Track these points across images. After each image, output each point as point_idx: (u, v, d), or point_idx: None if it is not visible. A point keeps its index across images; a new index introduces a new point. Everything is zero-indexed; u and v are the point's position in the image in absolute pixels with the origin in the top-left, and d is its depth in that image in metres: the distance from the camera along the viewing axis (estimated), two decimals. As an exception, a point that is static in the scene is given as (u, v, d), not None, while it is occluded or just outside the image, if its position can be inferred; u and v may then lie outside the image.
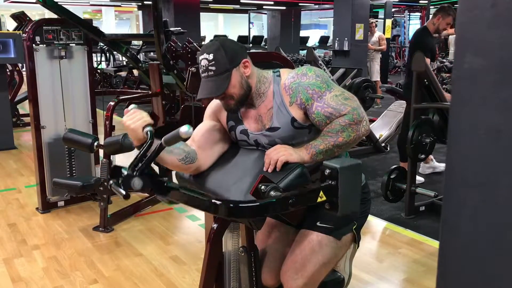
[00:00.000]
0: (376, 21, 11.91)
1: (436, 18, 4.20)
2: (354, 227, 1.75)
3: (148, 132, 1.38)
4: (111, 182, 1.33)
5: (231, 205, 1.28)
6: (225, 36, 14.38)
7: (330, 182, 1.29)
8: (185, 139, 1.33)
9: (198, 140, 1.70)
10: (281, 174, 1.48)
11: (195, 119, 3.24)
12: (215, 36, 14.10)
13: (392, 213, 3.78)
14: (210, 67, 1.59)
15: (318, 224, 1.70)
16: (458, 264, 0.88)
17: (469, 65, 0.81)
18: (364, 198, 1.80)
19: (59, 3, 3.63)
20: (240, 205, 1.28)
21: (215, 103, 1.79)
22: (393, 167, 3.86)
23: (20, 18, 6.97)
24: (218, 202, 1.26)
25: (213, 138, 1.73)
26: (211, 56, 1.59)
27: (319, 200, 1.30)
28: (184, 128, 1.26)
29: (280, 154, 1.50)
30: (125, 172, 1.33)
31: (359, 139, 1.61)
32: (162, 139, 1.33)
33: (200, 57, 1.61)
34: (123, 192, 1.29)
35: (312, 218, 1.73)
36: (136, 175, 1.33)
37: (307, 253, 1.69)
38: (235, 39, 15.64)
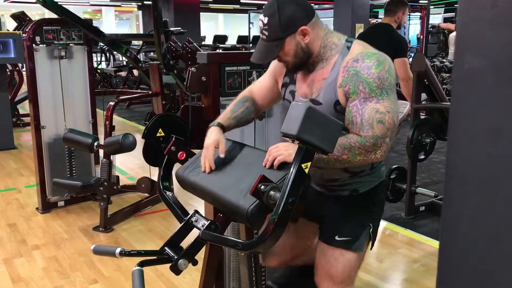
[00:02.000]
0: (376, 21, 11.91)
1: (398, 15, 3.84)
2: (371, 230, 1.72)
3: None
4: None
5: (252, 247, 1.37)
6: (225, 36, 14.37)
7: (302, 147, 1.29)
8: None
9: (256, 93, 1.79)
10: (281, 173, 1.48)
11: (195, 119, 3.24)
12: (215, 36, 14.11)
13: (392, 213, 3.78)
14: (263, 31, 1.54)
15: (337, 238, 1.68)
16: (458, 264, 0.88)
17: (469, 65, 0.81)
18: (382, 198, 1.79)
19: (59, 3, 3.63)
20: (258, 243, 1.34)
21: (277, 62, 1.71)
22: (393, 167, 3.86)
23: (20, 18, 6.97)
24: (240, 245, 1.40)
25: (269, 97, 1.80)
26: (266, 20, 1.52)
27: (306, 171, 1.30)
28: None
29: (279, 153, 1.46)
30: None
31: (366, 162, 1.52)
32: None
33: (259, 17, 1.57)
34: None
35: (329, 230, 1.71)
36: (178, 258, 1.46)
37: (333, 269, 1.69)
38: (235, 39, 15.67)
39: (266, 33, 1.53)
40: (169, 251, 1.49)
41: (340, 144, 1.45)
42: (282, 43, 1.52)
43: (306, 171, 1.31)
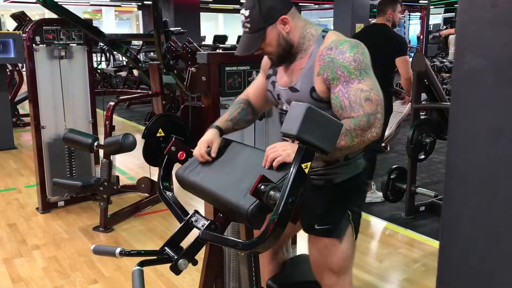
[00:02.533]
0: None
1: (388, 13, 3.83)
2: (350, 218, 1.74)
3: None
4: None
5: (253, 247, 1.37)
6: (225, 36, 14.36)
7: (302, 147, 1.29)
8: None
9: (252, 95, 1.86)
10: (281, 173, 1.48)
11: (195, 119, 3.24)
12: (215, 36, 14.11)
13: (392, 213, 3.78)
14: (245, 24, 1.60)
15: (316, 227, 1.71)
16: (458, 264, 0.88)
17: (469, 65, 0.81)
18: (359, 189, 1.80)
19: (59, 3, 3.63)
20: (259, 243, 1.34)
21: (265, 59, 1.82)
22: (393, 166, 3.86)
23: (20, 18, 6.97)
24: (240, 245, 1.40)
25: (265, 94, 1.83)
26: (247, 13, 1.58)
27: (306, 171, 1.30)
28: None
29: (277, 153, 1.46)
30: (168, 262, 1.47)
31: (364, 144, 1.54)
32: None
33: (240, 12, 1.63)
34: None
35: (308, 219, 1.73)
36: (178, 258, 1.45)
37: (322, 259, 1.72)
38: (235, 39, 15.66)
39: (248, 25, 1.59)
40: (169, 251, 1.49)
41: (352, 141, 1.49)
42: (264, 33, 1.58)
43: (306, 171, 1.31)
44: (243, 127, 1.86)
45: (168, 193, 1.71)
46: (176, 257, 1.45)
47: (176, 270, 1.45)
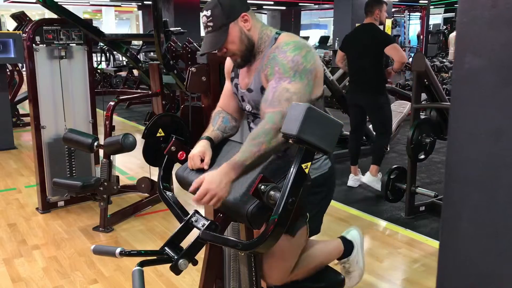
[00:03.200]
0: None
1: (376, 13, 4.10)
2: (306, 219, 1.76)
3: None
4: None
5: (253, 248, 1.37)
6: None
7: (302, 147, 1.30)
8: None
9: (225, 105, 1.88)
10: (280, 173, 1.48)
11: (195, 119, 3.24)
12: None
13: (392, 213, 3.78)
14: (208, 23, 1.64)
15: None
16: (458, 264, 0.88)
17: (469, 65, 0.81)
18: (318, 191, 1.78)
19: (59, 3, 3.63)
20: (259, 243, 1.34)
21: (228, 60, 1.85)
22: (393, 167, 3.86)
23: (20, 18, 6.97)
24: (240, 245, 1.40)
25: (235, 101, 1.86)
26: (209, 13, 1.64)
27: (306, 170, 1.31)
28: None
29: (213, 193, 1.44)
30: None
31: (277, 147, 1.50)
32: None
33: (201, 15, 1.67)
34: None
35: None
36: (178, 258, 1.46)
37: (268, 253, 1.72)
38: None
39: (211, 23, 1.64)
40: (169, 251, 1.49)
41: (255, 136, 1.49)
42: (227, 29, 1.63)
43: (306, 170, 1.31)
44: (232, 134, 1.87)
45: (168, 193, 1.71)
46: (176, 257, 1.45)
47: (176, 270, 1.45)
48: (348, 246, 2.08)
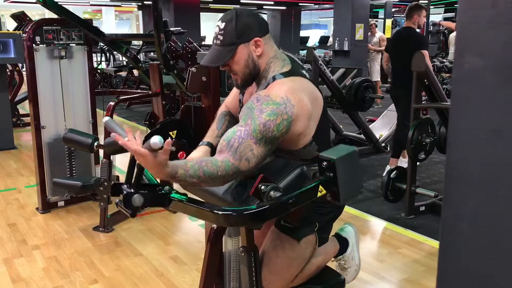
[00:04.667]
0: (376, 21, 11.91)
1: (414, 18, 4.55)
2: (315, 229, 1.75)
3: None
4: (117, 200, 1.36)
5: (234, 214, 1.31)
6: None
7: (328, 174, 1.30)
8: (156, 150, 1.31)
9: (233, 107, 1.86)
10: (280, 173, 1.48)
11: (195, 119, 3.24)
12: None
13: (392, 213, 3.78)
14: (219, 36, 1.58)
15: (282, 222, 1.71)
16: (458, 264, 0.88)
17: (469, 65, 0.81)
18: (324, 207, 1.77)
19: (59, 3, 3.63)
20: (244, 212, 1.30)
21: None
22: (393, 167, 3.86)
23: (20, 18, 6.96)
24: (220, 212, 1.30)
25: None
26: (222, 25, 1.57)
27: (319, 194, 1.32)
28: (155, 139, 1.27)
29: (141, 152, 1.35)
30: (125, 191, 1.34)
31: (199, 184, 1.47)
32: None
33: (216, 24, 1.61)
34: (129, 211, 1.32)
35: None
36: (136, 192, 1.34)
37: (273, 253, 1.72)
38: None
39: (221, 37, 1.58)
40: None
41: (205, 170, 1.42)
42: (235, 49, 1.57)
43: (318, 194, 1.35)
44: None
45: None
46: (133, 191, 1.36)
47: (127, 201, 1.35)
48: (343, 243, 2.07)
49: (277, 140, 1.51)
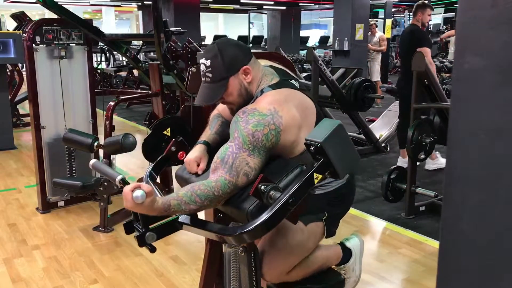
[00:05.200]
0: (376, 21, 11.91)
1: (418, 16, 4.73)
2: (324, 218, 1.75)
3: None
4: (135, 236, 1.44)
5: (240, 231, 1.36)
6: (225, 36, 14.34)
7: (319, 158, 1.29)
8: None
9: (223, 112, 1.85)
10: (280, 173, 1.48)
11: (194, 119, 3.23)
12: (215, 36, 14.12)
13: (392, 213, 3.78)
14: (207, 74, 1.59)
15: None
16: (458, 264, 0.88)
17: (469, 65, 0.81)
18: (340, 195, 1.80)
19: (59, 3, 3.63)
20: (247, 229, 1.34)
21: None
22: (393, 167, 3.86)
23: (20, 18, 6.96)
24: (225, 236, 1.40)
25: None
26: (208, 63, 1.58)
27: (316, 181, 1.31)
28: (137, 194, 1.34)
29: (127, 204, 1.38)
30: (137, 232, 1.43)
31: (209, 207, 1.53)
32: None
33: (200, 61, 1.62)
34: (149, 248, 1.43)
35: None
36: (147, 230, 1.42)
37: (278, 236, 1.71)
38: (235, 39, 15.70)
39: (210, 74, 1.58)
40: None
41: (200, 193, 1.45)
42: (226, 83, 1.58)
43: (315, 181, 1.32)
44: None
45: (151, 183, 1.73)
46: (144, 230, 1.42)
47: (141, 242, 1.43)
48: (346, 253, 2.07)
49: (269, 150, 1.52)
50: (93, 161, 1.68)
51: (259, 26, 28.71)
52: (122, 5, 20.81)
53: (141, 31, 19.32)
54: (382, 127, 5.79)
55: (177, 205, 1.42)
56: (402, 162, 4.83)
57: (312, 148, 1.29)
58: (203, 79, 1.62)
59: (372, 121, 6.35)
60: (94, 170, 1.80)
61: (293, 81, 1.69)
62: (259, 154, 1.49)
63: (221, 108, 1.89)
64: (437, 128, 3.84)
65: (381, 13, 15.72)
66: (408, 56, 4.32)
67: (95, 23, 4.38)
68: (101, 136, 3.55)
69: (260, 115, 1.50)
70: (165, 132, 2.35)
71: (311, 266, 1.83)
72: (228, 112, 1.85)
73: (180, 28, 5.77)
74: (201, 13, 12.75)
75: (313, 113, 1.66)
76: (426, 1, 5.03)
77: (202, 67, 1.60)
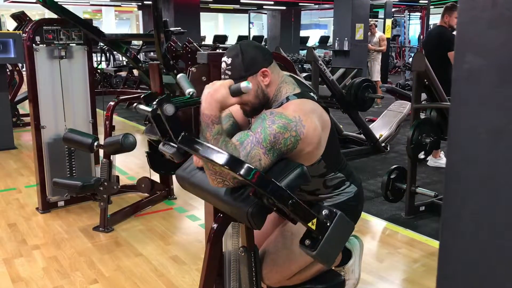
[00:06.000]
0: (376, 21, 11.91)
1: (445, 17, 4.78)
2: None
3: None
4: (154, 105, 1.42)
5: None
6: (225, 36, 14.35)
7: (325, 221, 1.33)
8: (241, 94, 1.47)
9: (235, 114, 1.85)
10: (281, 173, 1.48)
11: (195, 120, 3.23)
12: (215, 36, 14.12)
13: (392, 213, 3.78)
14: (226, 71, 1.63)
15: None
16: (458, 264, 0.88)
17: (469, 65, 0.81)
18: (350, 208, 1.80)
19: (59, 3, 3.63)
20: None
21: None
22: (393, 167, 3.86)
23: (20, 18, 6.96)
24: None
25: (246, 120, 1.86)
26: (229, 61, 1.62)
27: (309, 224, 1.33)
28: (244, 84, 1.42)
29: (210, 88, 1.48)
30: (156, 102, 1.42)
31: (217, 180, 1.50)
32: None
33: (222, 59, 1.65)
34: (171, 109, 1.41)
35: None
36: (170, 102, 1.42)
37: (278, 246, 1.72)
38: (235, 39, 15.66)
39: (229, 72, 1.62)
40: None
41: (229, 146, 1.48)
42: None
43: (313, 227, 1.40)
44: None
45: None
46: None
47: (156, 111, 1.43)
48: (346, 254, 2.07)
49: (282, 155, 1.53)
50: (180, 75, 1.69)
51: (259, 26, 28.72)
52: (122, 5, 20.81)
53: (141, 31, 19.32)
54: (382, 127, 5.79)
55: (217, 130, 1.45)
56: (433, 161, 5.00)
57: (325, 211, 1.40)
58: (222, 76, 1.65)
59: (372, 121, 6.36)
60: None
61: (312, 94, 1.72)
62: (273, 155, 1.51)
63: (234, 109, 1.89)
64: (435, 125, 3.84)
65: (381, 13, 15.72)
66: (439, 60, 4.38)
67: (95, 23, 4.38)
68: (101, 136, 3.55)
69: (286, 119, 1.53)
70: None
71: (311, 270, 1.83)
72: (240, 114, 1.84)
73: (180, 28, 5.77)
74: (201, 13, 12.76)
75: (329, 127, 1.70)
76: (455, 4, 5.03)
77: (223, 65, 1.64)
